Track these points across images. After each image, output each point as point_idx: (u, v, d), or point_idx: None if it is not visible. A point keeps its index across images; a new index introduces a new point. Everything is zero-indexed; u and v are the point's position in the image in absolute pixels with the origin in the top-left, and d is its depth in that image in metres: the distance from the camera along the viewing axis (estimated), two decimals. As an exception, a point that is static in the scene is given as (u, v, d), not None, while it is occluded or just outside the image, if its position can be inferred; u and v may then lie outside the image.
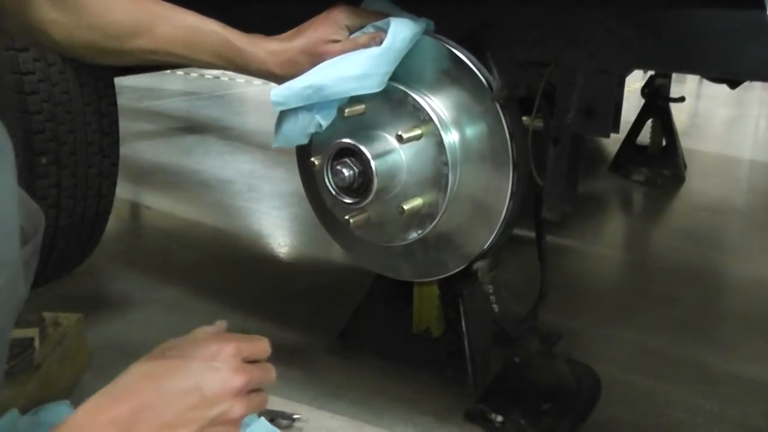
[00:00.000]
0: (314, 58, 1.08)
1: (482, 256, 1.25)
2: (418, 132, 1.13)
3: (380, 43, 1.08)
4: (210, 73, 6.64)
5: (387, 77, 1.10)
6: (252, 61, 1.08)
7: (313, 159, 1.19)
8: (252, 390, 0.75)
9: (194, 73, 6.76)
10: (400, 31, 1.09)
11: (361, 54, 1.08)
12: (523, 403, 1.36)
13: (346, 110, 1.14)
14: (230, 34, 1.07)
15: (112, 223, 1.92)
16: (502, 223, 1.19)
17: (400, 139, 1.12)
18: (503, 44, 1.18)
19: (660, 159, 3.35)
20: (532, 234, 1.46)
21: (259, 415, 1.28)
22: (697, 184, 3.31)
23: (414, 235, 1.20)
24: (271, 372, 0.79)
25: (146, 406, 0.68)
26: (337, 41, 1.09)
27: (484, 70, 1.14)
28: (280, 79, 1.10)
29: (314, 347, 1.65)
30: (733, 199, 3.18)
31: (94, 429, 0.66)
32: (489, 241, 1.21)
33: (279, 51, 1.08)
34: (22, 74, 1.52)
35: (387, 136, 1.15)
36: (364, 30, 1.11)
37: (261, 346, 0.78)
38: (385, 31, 1.09)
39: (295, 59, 1.08)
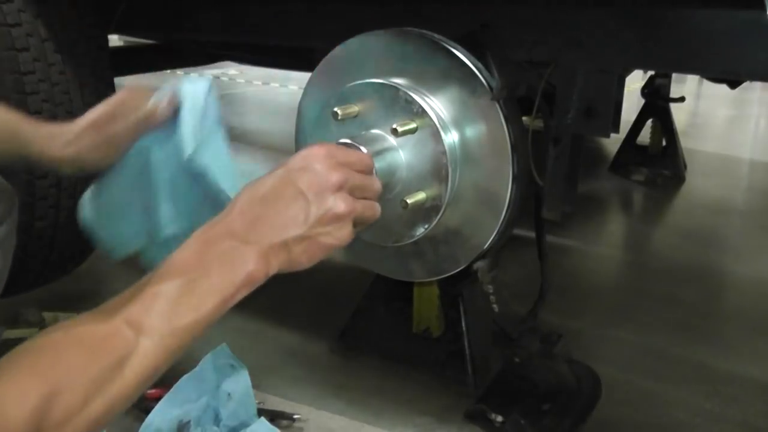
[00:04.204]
0: (101, 132, 0.97)
1: (492, 245, 1.25)
2: (412, 125, 1.13)
3: (175, 101, 0.96)
4: (210, 73, 6.64)
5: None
6: (32, 143, 0.98)
7: None
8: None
9: (194, 73, 6.75)
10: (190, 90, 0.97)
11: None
12: (523, 403, 1.37)
13: (340, 113, 1.14)
14: (13, 116, 0.99)
15: (112, 223, 1.92)
16: (507, 209, 1.18)
17: (395, 132, 1.11)
18: (503, 44, 1.18)
19: (660, 159, 3.35)
20: (532, 234, 1.46)
21: (259, 415, 1.28)
22: (697, 184, 3.31)
23: (421, 230, 1.20)
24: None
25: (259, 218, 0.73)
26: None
27: (482, 68, 1.14)
28: (65, 162, 0.99)
29: (314, 347, 1.65)
30: (733, 199, 3.18)
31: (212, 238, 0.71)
32: (497, 229, 1.21)
33: (60, 133, 0.99)
34: (22, 74, 1.52)
35: (384, 134, 1.16)
36: (153, 99, 0.98)
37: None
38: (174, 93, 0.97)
39: (79, 136, 0.97)
